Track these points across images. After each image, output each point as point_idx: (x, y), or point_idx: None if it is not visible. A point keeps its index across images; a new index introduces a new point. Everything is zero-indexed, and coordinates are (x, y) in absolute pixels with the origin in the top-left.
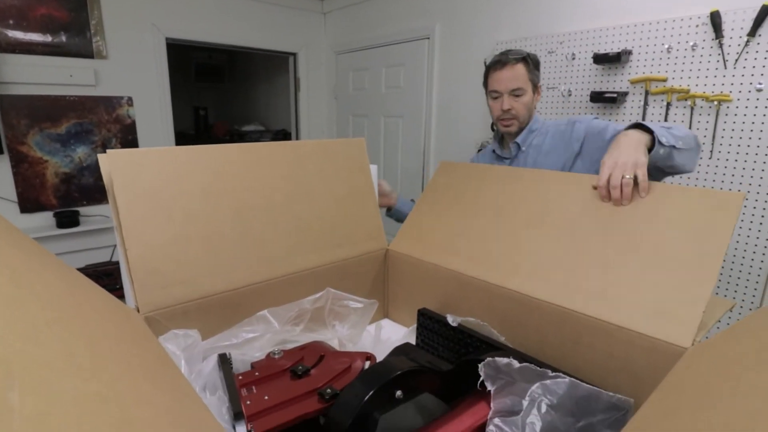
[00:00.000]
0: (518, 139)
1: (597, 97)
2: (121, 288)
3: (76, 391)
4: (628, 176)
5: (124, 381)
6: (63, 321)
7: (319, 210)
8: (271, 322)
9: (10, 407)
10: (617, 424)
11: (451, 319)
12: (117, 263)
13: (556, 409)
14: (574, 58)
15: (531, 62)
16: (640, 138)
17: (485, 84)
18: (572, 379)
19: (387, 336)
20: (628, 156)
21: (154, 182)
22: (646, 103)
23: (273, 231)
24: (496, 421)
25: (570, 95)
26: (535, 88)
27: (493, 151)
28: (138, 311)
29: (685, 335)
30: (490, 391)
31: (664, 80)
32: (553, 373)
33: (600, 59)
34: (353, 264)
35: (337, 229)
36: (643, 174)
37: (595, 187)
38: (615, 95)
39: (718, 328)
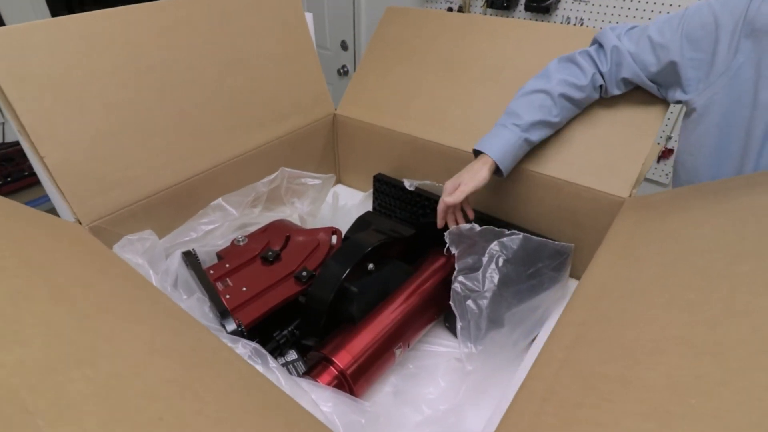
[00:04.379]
0: None
1: None
2: (33, 174)
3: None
4: None
5: (89, 336)
6: None
7: (257, 79)
8: (228, 210)
9: None
10: (560, 266)
11: (408, 184)
12: (16, 144)
13: (511, 262)
14: None
15: None
16: None
17: None
18: (525, 234)
19: (344, 202)
20: None
21: (52, 67)
22: None
23: (209, 111)
24: (460, 278)
25: None
26: None
27: None
28: (80, 223)
29: (623, 187)
30: (449, 249)
31: None
32: (509, 231)
33: None
34: (301, 135)
35: (280, 99)
36: None
37: None
38: None
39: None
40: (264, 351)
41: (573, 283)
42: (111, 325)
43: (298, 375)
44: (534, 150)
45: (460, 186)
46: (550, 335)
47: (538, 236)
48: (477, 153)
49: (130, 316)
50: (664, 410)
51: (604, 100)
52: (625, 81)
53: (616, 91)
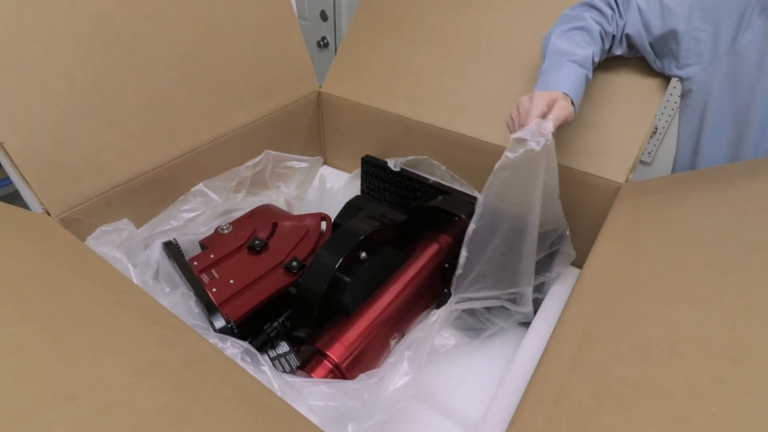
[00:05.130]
0: None
1: None
2: None
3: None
4: None
5: (66, 362)
6: None
7: (236, 53)
8: (210, 196)
9: None
10: (554, 254)
11: (393, 163)
12: None
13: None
14: None
15: None
16: None
17: None
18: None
19: (330, 185)
20: None
21: (7, 42)
22: None
23: (185, 88)
24: None
25: None
26: None
27: None
28: (49, 215)
29: (620, 172)
30: (439, 233)
31: None
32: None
33: None
34: (285, 115)
35: (261, 75)
36: None
37: None
38: None
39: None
40: (254, 350)
41: (571, 270)
42: (90, 344)
43: (292, 369)
44: None
45: (556, 107)
46: (555, 330)
47: None
48: None
49: (111, 329)
50: (685, 418)
51: (598, 77)
52: (628, 39)
53: (618, 51)
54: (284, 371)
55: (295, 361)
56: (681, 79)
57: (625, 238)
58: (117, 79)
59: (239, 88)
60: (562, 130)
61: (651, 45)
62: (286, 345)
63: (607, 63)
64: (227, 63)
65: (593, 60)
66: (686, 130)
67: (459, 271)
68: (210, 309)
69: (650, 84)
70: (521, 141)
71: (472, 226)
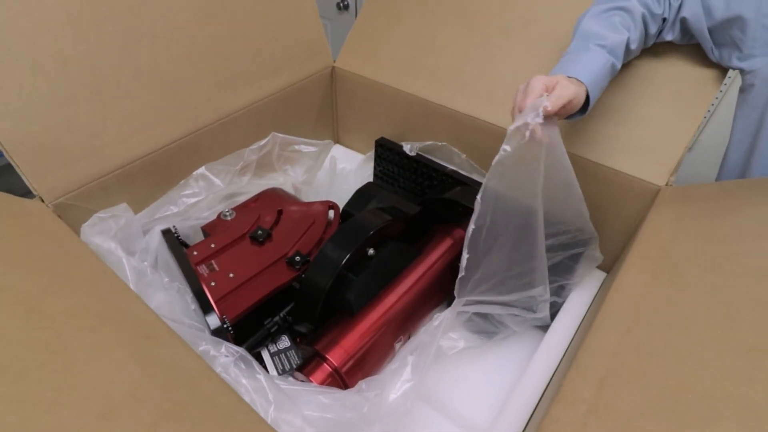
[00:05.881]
0: None
1: None
2: None
3: None
4: None
5: (24, 410)
6: None
7: (241, 25)
8: (213, 180)
9: None
10: (578, 257)
11: (408, 148)
12: None
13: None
14: None
15: None
16: None
17: None
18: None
19: (342, 166)
20: None
21: None
22: None
23: (188, 66)
24: None
25: None
26: None
27: None
28: (42, 201)
29: (660, 174)
30: (454, 227)
31: None
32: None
33: None
34: (295, 92)
35: (269, 49)
36: None
37: None
38: None
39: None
40: (250, 357)
41: (594, 272)
42: (57, 381)
43: (291, 368)
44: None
45: (557, 87)
46: (573, 363)
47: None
48: None
49: (86, 353)
50: None
51: (644, 64)
52: (683, 23)
53: (669, 36)
54: (284, 369)
55: (295, 358)
56: (742, 71)
57: (661, 256)
58: (112, 57)
59: (244, 63)
60: (596, 122)
61: (710, 31)
62: (287, 340)
63: (655, 49)
64: (232, 36)
65: (628, 47)
66: (742, 128)
67: (461, 273)
68: (205, 308)
69: (704, 76)
70: (517, 131)
71: (471, 226)
